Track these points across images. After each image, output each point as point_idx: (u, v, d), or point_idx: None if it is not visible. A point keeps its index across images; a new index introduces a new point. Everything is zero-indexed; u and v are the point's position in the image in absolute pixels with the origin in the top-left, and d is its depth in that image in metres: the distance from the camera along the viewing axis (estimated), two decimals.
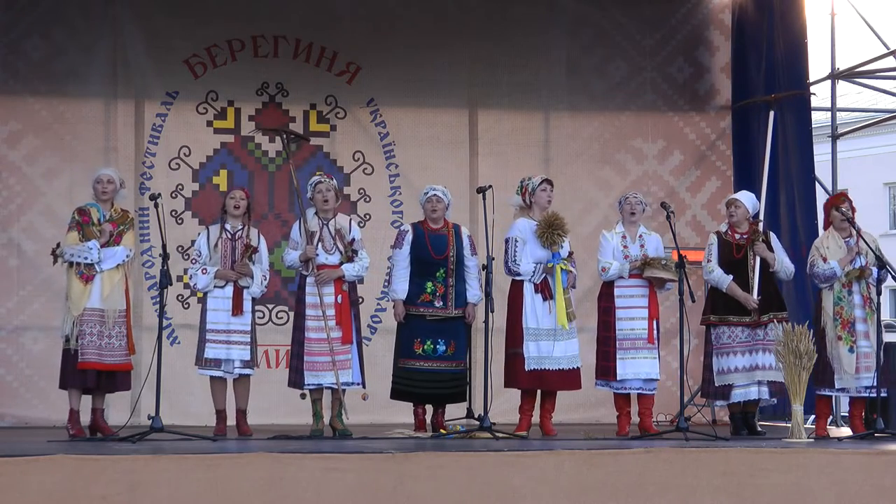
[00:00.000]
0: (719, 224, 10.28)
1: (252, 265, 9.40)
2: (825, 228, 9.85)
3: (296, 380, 9.35)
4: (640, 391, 9.63)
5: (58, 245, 9.31)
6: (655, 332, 9.57)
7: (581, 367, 9.59)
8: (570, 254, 9.59)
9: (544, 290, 9.46)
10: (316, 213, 9.44)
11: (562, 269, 9.45)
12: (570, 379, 9.53)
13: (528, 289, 9.49)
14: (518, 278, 9.52)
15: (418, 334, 9.48)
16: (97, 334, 9.09)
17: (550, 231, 9.42)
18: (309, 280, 9.33)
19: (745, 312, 9.68)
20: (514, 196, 9.69)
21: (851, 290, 9.59)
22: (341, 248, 9.38)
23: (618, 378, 9.57)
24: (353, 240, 9.44)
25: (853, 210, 9.76)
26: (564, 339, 9.45)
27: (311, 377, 9.26)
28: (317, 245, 9.31)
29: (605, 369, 9.63)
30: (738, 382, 9.67)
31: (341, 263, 9.36)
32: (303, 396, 9.36)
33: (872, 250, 9.51)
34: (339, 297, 9.31)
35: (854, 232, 9.63)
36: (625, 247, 9.69)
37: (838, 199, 9.85)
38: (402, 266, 9.51)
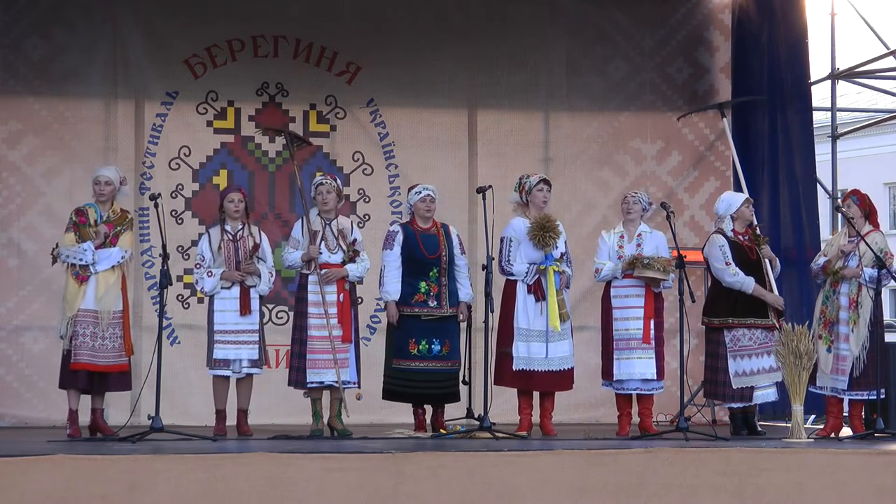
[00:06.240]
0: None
1: (258, 264, 9.42)
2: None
3: (297, 378, 9.35)
4: (637, 391, 9.62)
5: (56, 246, 9.31)
6: (652, 331, 9.56)
7: (574, 368, 9.59)
8: (563, 255, 9.58)
9: (537, 291, 9.46)
10: (318, 214, 9.45)
11: (554, 270, 9.45)
12: (559, 380, 9.52)
13: (521, 289, 9.50)
14: (512, 278, 9.53)
15: (413, 334, 9.46)
16: (90, 335, 9.10)
17: (542, 233, 9.42)
18: (311, 279, 9.34)
19: (766, 314, 9.66)
20: (513, 193, 9.70)
21: (838, 291, 9.59)
22: (344, 247, 9.39)
23: (614, 378, 9.58)
24: (355, 240, 9.47)
25: (865, 207, 9.72)
26: (556, 340, 9.45)
27: (313, 375, 9.26)
28: (320, 244, 9.32)
29: (607, 370, 9.65)
30: (760, 384, 9.64)
31: (344, 263, 9.37)
32: (306, 395, 9.37)
33: (873, 251, 9.48)
34: (342, 295, 9.33)
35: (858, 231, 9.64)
36: (620, 247, 9.68)
37: (846, 197, 9.84)
38: (394, 267, 9.49)
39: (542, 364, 9.44)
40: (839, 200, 10.27)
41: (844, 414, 9.92)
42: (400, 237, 9.51)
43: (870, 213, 9.74)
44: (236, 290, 9.37)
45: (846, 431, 9.74)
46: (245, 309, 9.35)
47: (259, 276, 9.40)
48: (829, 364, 9.54)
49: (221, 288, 9.37)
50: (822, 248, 9.91)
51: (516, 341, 9.46)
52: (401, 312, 9.46)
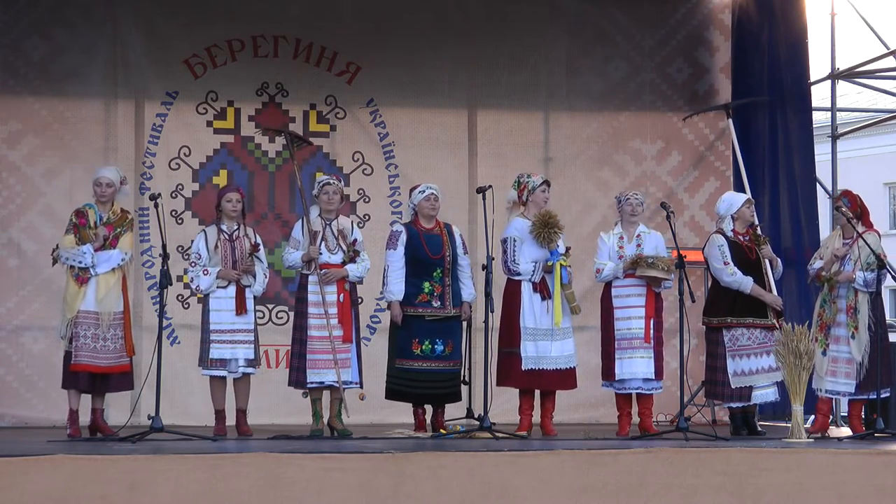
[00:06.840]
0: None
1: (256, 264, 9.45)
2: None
3: (297, 379, 9.35)
4: (639, 391, 9.62)
5: (56, 247, 9.31)
6: (652, 331, 9.56)
7: (576, 367, 9.61)
8: (568, 249, 9.59)
9: (543, 290, 9.47)
10: (319, 214, 9.46)
11: (562, 265, 9.45)
12: (566, 378, 9.55)
13: (525, 288, 9.49)
14: (517, 278, 9.52)
15: (416, 334, 9.46)
16: (91, 336, 9.10)
17: (546, 230, 9.41)
18: (311, 279, 9.34)
19: (765, 314, 9.66)
20: (511, 191, 9.69)
21: (837, 295, 9.59)
22: (344, 247, 9.40)
23: (616, 378, 9.58)
24: (356, 241, 9.47)
25: (857, 208, 9.71)
26: (561, 338, 9.46)
27: (314, 375, 9.26)
28: (320, 245, 9.33)
29: (608, 369, 9.65)
30: (759, 384, 9.64)
31: (344, 263, 9.38)
32: (305, 395, 9.38)
33: (871, 248, 9.45)
34: (342, 295, 9.33)
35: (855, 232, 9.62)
36: (620, 247, 9.68)
37: (838, 198, 9.85)
38: (398, 267, 9.48)
39: (551, 362, 9.45)
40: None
41: (843, 413, 9.92)
42: (404, 237, 9.50)
43: (862, 214, 9.73)
44: (232, 290, 9.38)
45: (845, 431, 9.74)
46: (241, 308, 9.36)
47: (254, 277, 9.42)
48: (825, 367, 9.56)
49: (217, 287, 9.38)
50: (819, 251, 9.88)
51: (524, 341, 9.45)
52: (404, 312, 9.45)
